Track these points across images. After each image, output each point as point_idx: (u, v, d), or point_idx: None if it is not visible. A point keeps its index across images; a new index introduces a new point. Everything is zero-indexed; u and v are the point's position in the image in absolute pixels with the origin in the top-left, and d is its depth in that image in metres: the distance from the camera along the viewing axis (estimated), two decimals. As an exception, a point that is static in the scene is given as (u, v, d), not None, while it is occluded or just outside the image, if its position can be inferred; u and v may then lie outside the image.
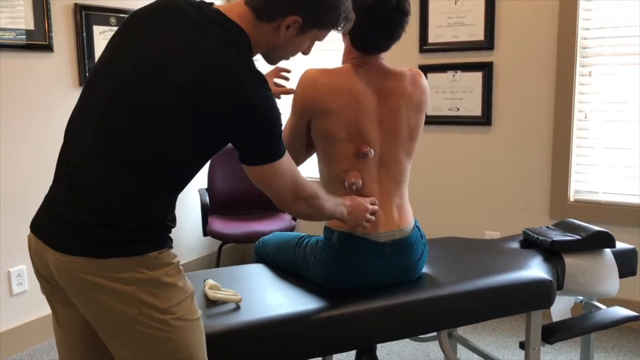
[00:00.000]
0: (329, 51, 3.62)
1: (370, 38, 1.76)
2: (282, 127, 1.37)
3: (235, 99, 1.26)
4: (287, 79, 1.93)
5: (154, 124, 1.25)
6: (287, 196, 1.44)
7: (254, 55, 1.39)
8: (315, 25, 1.40)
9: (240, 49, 1.31)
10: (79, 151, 1.30)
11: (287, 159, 1.41)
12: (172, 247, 1.36)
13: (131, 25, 1.35)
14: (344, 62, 1.86)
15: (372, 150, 1.77)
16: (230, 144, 1.36)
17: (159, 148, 1.26)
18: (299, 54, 1.52)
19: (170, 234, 1.36)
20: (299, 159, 1.84)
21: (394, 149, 1.82)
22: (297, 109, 1.78)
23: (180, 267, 1.37)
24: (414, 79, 1.83)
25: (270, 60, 1.48)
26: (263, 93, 1.30)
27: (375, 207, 1.77)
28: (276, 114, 1.33)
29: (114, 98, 1.28)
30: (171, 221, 1.36)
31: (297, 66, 1.87)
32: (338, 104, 1.73)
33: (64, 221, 1.28)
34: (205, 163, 1.36)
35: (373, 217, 1.76)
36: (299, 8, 1.35)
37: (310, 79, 1.75)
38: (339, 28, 1.45)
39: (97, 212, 1.26)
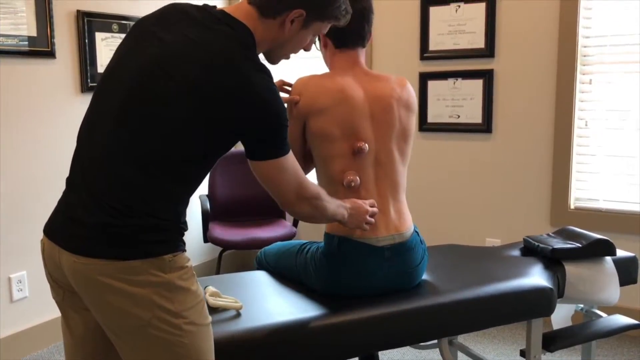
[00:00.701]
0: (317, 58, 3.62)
1: (348, 26, 1.81)
2: (287, 124, 1.39)
3: (243, 93, 1.28)
4: (289, 92, 1.96)
5: (166, 122, 1.27)
6: (291, 195, 1.45)
7: (258, 53, 1.42)
8: (319, 17, 1.44)
9: (247, 46, 1.34)
10: (93, 154, 1.32)
11: (292, 157, 1.42)
12: (185, 251, 1.36)
13: (139, 30, 1.38)
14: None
15: (366, 145, 1.80)
16: (232, 149, 1.38)
17: (172, 146, 1.28)
18: (299, 54, 1.55)
19: (183, 237, 1.37)
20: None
21: (388, 146, 1.85)
22: (292, 112, 1.82)
23: (193, 272, 1.37)
24: (400, 82, 1.91)
25: (273, 58, 1.51)
26: (270, 87, 1.33)
27: (375, 209, 1.78)
28: (282, 108, 1.35)
29: (126, 99, 1.30)
30: (184, 224, 1.37)
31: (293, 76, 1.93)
32: (329, 102, 1.78)
33: (81, 223, 1.29)
34: (215, 161, 1.38)
35: (373, 220, 1.77)
36: (303, 1, 1.39)
37: (301, 83, 1.83)
38: (340, 19, 1.49)
39: (114, 213, 1.27)
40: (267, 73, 1.34)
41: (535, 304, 1.95)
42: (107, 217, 1.27)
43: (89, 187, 1.30)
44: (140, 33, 1.37)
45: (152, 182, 1.29)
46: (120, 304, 1.27)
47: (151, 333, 1.29)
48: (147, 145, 1.28)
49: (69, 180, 1.38)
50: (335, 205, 1.64)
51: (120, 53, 1.39)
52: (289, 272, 2.02)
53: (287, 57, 1.52)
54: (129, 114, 1.29)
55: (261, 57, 1.45)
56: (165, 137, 1.28)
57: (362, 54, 1.92)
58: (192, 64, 1.28)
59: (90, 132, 1.35)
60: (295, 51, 1.51)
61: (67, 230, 1.31)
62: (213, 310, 1.76)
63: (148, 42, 1.33)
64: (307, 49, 1.53)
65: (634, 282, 2.27)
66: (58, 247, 1.32)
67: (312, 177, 1.92)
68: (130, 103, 1.30)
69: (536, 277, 2.02)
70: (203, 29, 1.32)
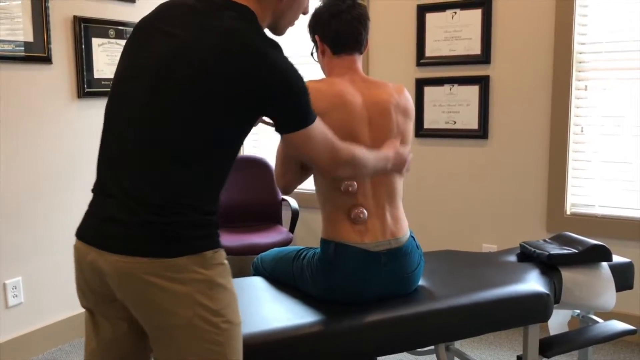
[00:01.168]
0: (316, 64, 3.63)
1: (343, 31, 1.88)
2: (309, 95, 1.41)
3: (261, 70, 1.29)
4: None
5: (191, 111, 1.27)
6: (325, 163, 1.49)
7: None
8: None
9: (253, 25, 1.35)
10: (123, 154, 1.32)
11: (319, 125, 1.44)
12: (223, 247, 1.37)
13: (143, 30, 1.38)
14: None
15: (355, 185, 1.82)
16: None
17: (198, 134, 1.28)
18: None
19: (219, 232, 1.37)
20: (295, 174, 1.84)
21: None
22: None
23: (230, 269, 1.37)
24: (397, 88, 1.93)
25: (279, 30, 1.53)
26: (286, 61, 1.34)
27: (411, 156, 1.89)
28: (301, 79, 1.36)
29: (147, 96, 1.30)
30: (218, 218, 1.37)
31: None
32: (326, 106, 1.79)
33: (123, 223, 1.28)
34: (241, 145, 1.38)
35: (409, 158, 1.87)
36: None
37: None
38: None
39: (156, 209, 1.27)
40: (279, 48, 1.34)
41: (532, 309, 1.95)
42: (150, 215, 1.26)
43: (125, 187, 1.29)
44: (146, 33, 1.37)
45: (187, 174, 1.29)
46: (164, 302, 1.27)
47: (191, 331, 1.28)
48: (176, 138, 1.28)
49: (97, 185, 1.37)
50: (375, 159, 1.71)
51: (129, 56, 1.38)
52: (286, 278, 2.01)
53: (292, 25, 1.55)
54: (153, 110, 1.29)
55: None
56: (190, 127, 1.27)
57: (359, 60, 1.93)
58: (206, 52, 1.28)
59: (116, 135, 1.35)
60: (297, 16, 1.53)
61: (108, 231, 1.30)
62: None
63: (157, 39, 1.34)
64: (305, 12, 1.55)
65: (630, 287, 2.28)
66: (96, 249, 1.31)
67: (309, 182, 1.92)
68: (153, 99, 1.30)
69: (533, 282, 2.02)
70: (209, 16, 1.32)
